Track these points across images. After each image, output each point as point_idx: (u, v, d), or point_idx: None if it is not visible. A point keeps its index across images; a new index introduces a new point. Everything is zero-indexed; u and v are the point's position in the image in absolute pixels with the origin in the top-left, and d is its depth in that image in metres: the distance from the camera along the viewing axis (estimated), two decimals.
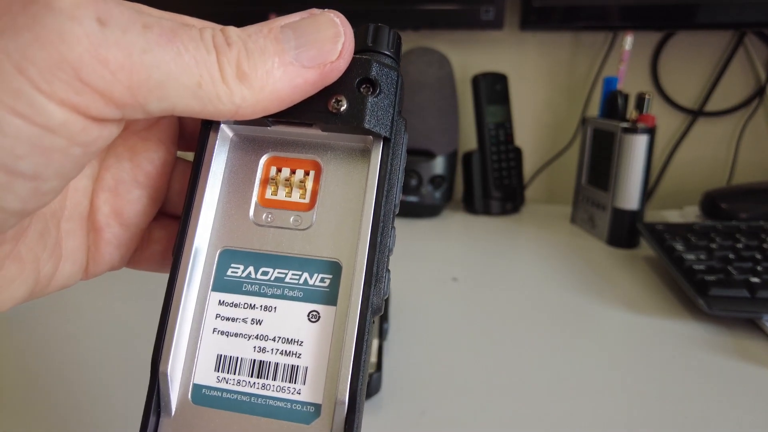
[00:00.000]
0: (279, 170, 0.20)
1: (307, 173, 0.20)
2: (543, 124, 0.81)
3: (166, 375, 0.18)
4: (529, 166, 0.82)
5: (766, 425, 0.33)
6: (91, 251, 0.20)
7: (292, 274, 0.19)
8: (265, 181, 0.20)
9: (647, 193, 0.62)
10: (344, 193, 0.19)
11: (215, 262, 0.19)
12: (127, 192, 0.20)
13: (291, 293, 0.19)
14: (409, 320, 0.44)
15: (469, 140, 0.77)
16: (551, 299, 0.49)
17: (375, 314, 0.18)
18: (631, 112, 0.60)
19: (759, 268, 0.46)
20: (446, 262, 0.57)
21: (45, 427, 0.32)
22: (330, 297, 0.18)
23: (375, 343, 0.36)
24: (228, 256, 0.19)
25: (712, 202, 0.64)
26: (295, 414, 0.18)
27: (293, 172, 0.20)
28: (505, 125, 0.73)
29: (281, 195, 0.20)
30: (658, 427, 0.32)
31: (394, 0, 0.70)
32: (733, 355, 0.40)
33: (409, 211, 0.71)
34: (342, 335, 0.18)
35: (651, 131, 0.58)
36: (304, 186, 0.20)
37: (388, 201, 0.19)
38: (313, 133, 0.20)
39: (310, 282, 0.19)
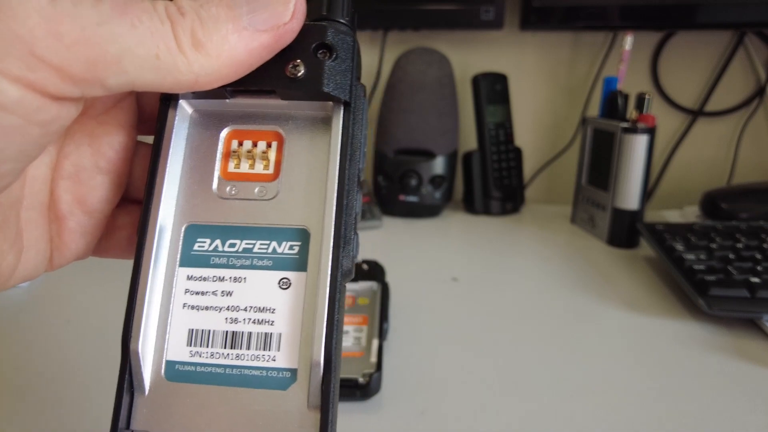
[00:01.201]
0: (241, 143, 0.20)
1: (269, 144, 0.20)
2: (543, 124, 0.81)
3: (137, 353, 0.18)
4: (529, 166, 0.81)
5: (766, 425, 0.33)
6: (54, 241, 0.20)
7: (260, 244, 0.19)
8: (227, 155, 0.20)
9: (647, 193, 0.62)
10: (308, 161, 0.20)
11: (181, 238, 0.19)
12: (90, 178, 0.20)
13: (260, 263, 0.19)
14: (409, 320, 0.44)
15: (469, 140, 0.77)
16: (551, 299, 0.49)
17: (346, 277, 0.19)
18: (631, 112, 0.60)
19: (759, 268, 0.46)
20: (446, 262, 0.57)
21: (38, 418, 0.32)
22: (300, 263, 0.18)
23: (375, 343, 0.36)
24: (194, 232, 0.19)
25: (712, 202, 0.64)
26: (271, 381, 0.18)
27: (255, 144, 0.20)
28: (505, 125, 0.73)
29: (244, 167, 0.20)
30: (658, 427, 0.32)
31: (394, 0, 0.70)
32: (733, 355, 0.40)
33: (409, 211, 0.71)
34: (314, 299, 0.18)
35: (651, 131, 0.58)
36: (267, 157, 0.20)
37: (352, 165, 0.19)
38: (273, 103, 0.20)
39: (279, 250, 0.19)
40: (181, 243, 0.19)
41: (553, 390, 0.36)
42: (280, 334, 0.18)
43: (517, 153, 0.74)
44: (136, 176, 0.22)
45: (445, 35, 0.78)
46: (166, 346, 0.18)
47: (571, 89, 0.79)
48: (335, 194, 0.18)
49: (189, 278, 0.19)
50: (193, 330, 0.18)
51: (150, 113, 0.22)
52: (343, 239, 0.18)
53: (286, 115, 0.20)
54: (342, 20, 0.20)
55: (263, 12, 0.17)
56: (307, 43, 0.18)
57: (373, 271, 0.46)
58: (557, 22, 0.69)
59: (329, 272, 0.18)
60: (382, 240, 0.64)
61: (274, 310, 0.18)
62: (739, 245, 0.51)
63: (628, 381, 0.37)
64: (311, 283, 0.18)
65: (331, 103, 0.19)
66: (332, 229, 0.18)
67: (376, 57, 0.79)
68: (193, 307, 0.19)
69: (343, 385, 0.34)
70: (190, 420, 0.18)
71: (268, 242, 0.19)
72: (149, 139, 0.21)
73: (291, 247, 0.19)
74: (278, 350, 0.18)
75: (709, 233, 0.54)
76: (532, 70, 0.79)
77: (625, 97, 0.62)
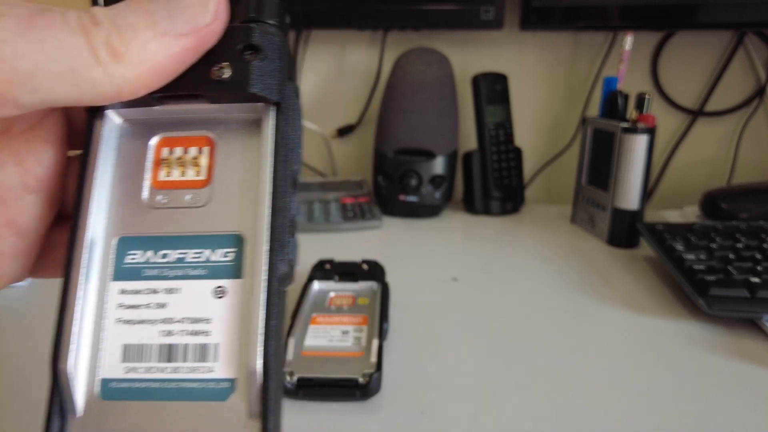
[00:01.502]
0: (171, 150, 0.20)
1: (200, 150, 0.20)
2: (543, 124, 0.81)
3: (66, 373, 0.17)
4: (529, 166, 0.82)
5: (766, 425, 0.33)
6: None
7: (194, 253, 0.18)
8: (158, 163, 0.20)
9: (647, 193, 0.62)
10: (241, 165, 0.19)
11: (113, 251, 0.19)
12: (18, 199, 0.19)
13: (194, 272, 0.18)
14: (409, 320, 0.44)
15: (469, 140, 0.77)
16: (551, 299, 0.49)
17: (284, 282, 0.18)
18: (631, 112, 0.60)
19: (759, 268, 0.46)
20: (446, 262, 0.57)
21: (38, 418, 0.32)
22: (235, 270, 0.18)
23: (375, 343, 0.36)
24: (125, 244, 0.19)
25: (712, 202, 0.64)
26: (210, 392, 0.17)
27: (186, 150, 0.20)
28: (505, 125, 0.73)
29: (175, 175, 0.19)
30: (658, 427, 0.32)
31: (394, 0, 0.70)
32: (733, 355, 0.40)
33: (409, 211, 0.71)
34: (250, 306, 0.17)
35: (651, 131, 0.58)
36: (199, 163, 0.19)
37: (286, 166, 0.19)
38: (203, 108, 0.19)
39: (213, 258, 0.18)
40: (112, 256, 0.19)
41: (553, 390, 0.36)
42: (217, 344, 0.18)
43: (517, 153, 0.74)
44: (71, 192, 0.20)
45: (445, 35, 0.78)
46: (99, 364, 0.18)
47: (571, 89, 0.79)
48: (268, 197, 0.18)
49: (122, 292, 0.18)
50: (127, 345, 0.18)
51: (81, 126, 0.21)
52: (278, 243, 0.18)
53: (217, 119, 0.20)
54: (270, 21, 0.19)
55: (182, 15, 0.17)
56: (233, 44, 0.18)
57: (373, 271, 0.46)
58: (557, 22, 0.69)
59: (264, 278, 0.17)
60: (382, 240, 0.64)
61: (210, 320, 0.18)
62: (739, 245, 0.51)
63: (628, 381, 0.37)
64: (247, 290, 0.18)
65: (261, 104, 0.19)
66: (266, 233, 0.18)
67: (376, 57, 0.79)
68: (126, 322, 0.18)
69: (343, 385, 0.34)
70: None
71: (201, 250, 0.18)
72: None
73: (225, 254, 0.18)
74: (216, 360, 0.17)
75: (709, 233, 0.54)
76: (532, 70, 0.79)
77: (625, 97, 0.62)
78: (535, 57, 0.78)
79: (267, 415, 0.17)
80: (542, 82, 0.79)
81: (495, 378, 0.37)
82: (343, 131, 0.84)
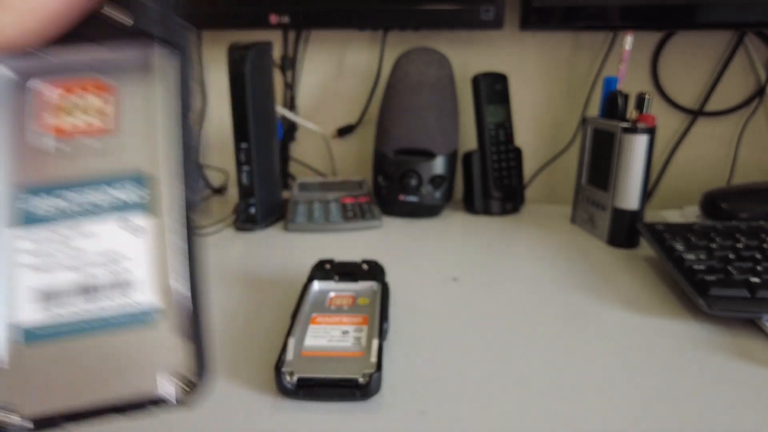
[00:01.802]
0: (70, 97, 0.20)
1: (101, 96, 0.20)
2: (543, 124, 0.81)
3: None
4: (529, 166, 0.82)
5: (766, 425, 0.33)
6: None
7: (103, 196, 0.19)
8: (58, 111, 0.20)
9: (647, 193, 0.62)
10: (142, 107, 0.20)
11: (16, 201, 0.19)
12: None
13: (107, 214, 0.19)
14: (409, 320, 0.44)
15: (469, 140, 0.77)
16: (551, 299, 0.49)
17: (192, 209, 0.19)
18: (631, 112, 0.61)
19: (759, 268, 0.46)
20: (446, 262, 0.57)
21: None
22: (146, 207, 0.19)
23: (375, 343, 0.36)
24: (30, 192, 0.19)
25: (712, 202, 0.64)
26: (138, 320, 0.18)
27: (85, 97, 0.20)
28: (505, 125, 0.73)
29: (77, 122, 0.20)
30: (658, 427, 0.32)
31: (394, 0, 0.70)
32: (733, 355, 0.40)
33: (409, 211, 0.71)
34: (165, 237, 0.18)
35: (651, 131, 0.58)
36: (100, 109, 0.20)
37: (189, 105, 0.20)
38: (101, 54, 0.19)
39: (124, 198, 0.19)
40: (17, 206, 0.19)
41: (553, 390, 0.36)
42: (138, 277, 0.18)
43: (517, 153, 0.74)
44: None
45: (445, 35, 0.78)
46: (18, 313, 0.18)
47: (571, 89, 0.79)
48: (175, 135, 0.19)
49: (33, 241, 0.18)
50: (45, 291, 0.18)
51: None
52: (184, 173, 0.19)
53: (116, 65, 0.20)
54: None
55: None
56: None
57: (373, 271, 0.46)
58: (557, 22, 0.69)
59: (177, 210, 0.19)
60: (382, 240, 0.64)
61: (128, 255, 0.19)
62: (739, 245, 0.51)
63: (628, 381, 0.37)
64: (161, 223, 0.19)
65: (159, 48, 0.19)
66: (172, 166, 0.19)
67: (376, 57, 0.79)
68: (40, 269, 0.18)
69: (343, 385, 0.34)
70: (60, 378, 0.18)
71: (111, 192, 0.19)
72: None
73: (135, 193, 0.19)
74: (139, 292, 0.18)
75: (709, 233, 0.54)
76: (532, 70, 0.79)
77: (625, 97, 0.62)
78: (535, 57, 0.78)
79: (198, 334, 0.18)
80: (542, 82, 0.79)
81: (495, 378, 0.37)
82: (343, 131, 0.84)
